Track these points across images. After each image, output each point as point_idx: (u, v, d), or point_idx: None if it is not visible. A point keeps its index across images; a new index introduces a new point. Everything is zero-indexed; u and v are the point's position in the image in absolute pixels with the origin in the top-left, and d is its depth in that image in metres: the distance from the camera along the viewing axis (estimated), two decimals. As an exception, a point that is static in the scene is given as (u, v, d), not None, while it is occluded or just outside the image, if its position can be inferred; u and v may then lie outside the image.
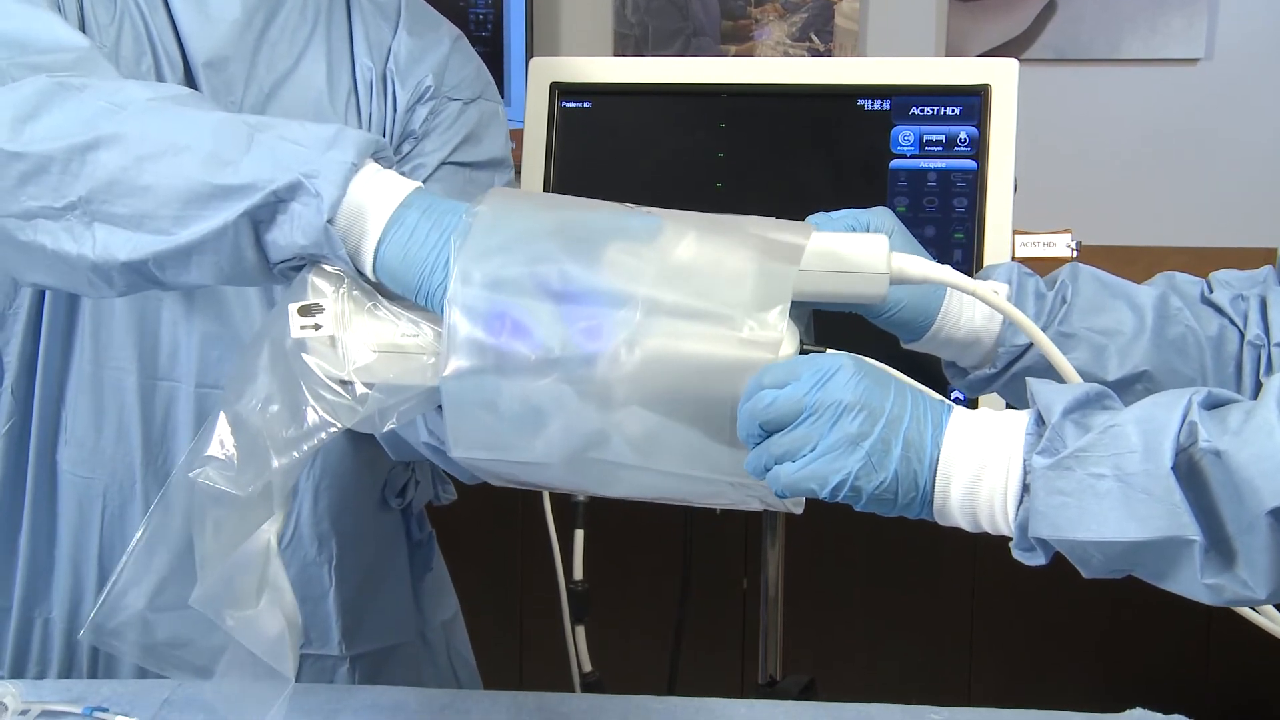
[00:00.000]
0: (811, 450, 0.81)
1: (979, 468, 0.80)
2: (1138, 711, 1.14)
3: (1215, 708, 2.55)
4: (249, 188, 0.88)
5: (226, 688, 0.94)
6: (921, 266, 0.94)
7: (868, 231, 1.01)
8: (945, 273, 0.94)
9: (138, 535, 0.94)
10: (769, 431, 0.82)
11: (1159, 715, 1.12)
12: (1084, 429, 0.77)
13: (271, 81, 1.22)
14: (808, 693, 1.56)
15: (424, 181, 1.24)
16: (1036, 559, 0.80)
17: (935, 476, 0.81)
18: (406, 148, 1.27)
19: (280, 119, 0.98)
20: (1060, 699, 1.24)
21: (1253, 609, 0.94)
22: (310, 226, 0.88)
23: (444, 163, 1.26)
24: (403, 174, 1.24)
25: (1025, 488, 0.79)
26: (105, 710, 1.11)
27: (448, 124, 1.28)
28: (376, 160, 0.92)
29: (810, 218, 1.01)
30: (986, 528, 0.82)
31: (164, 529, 0.92)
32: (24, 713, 1.09)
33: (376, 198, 0.89)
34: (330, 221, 0.87)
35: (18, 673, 1.27)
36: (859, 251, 0.93)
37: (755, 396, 0.83)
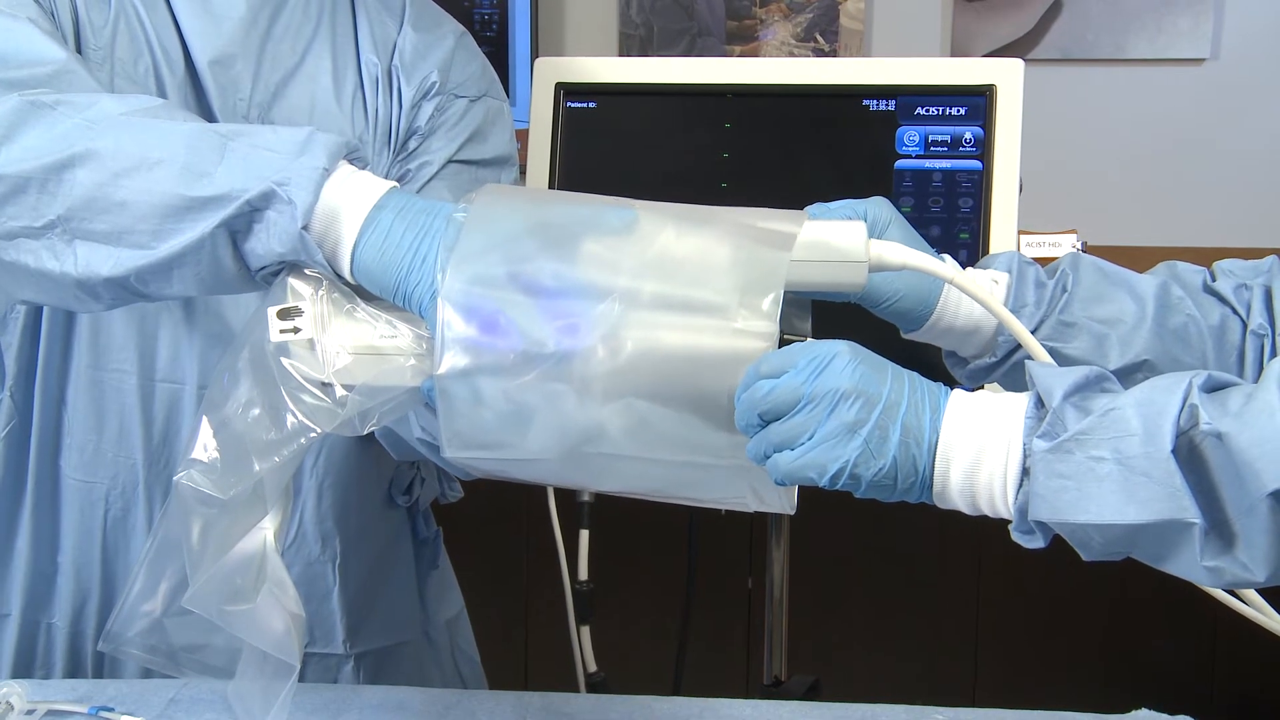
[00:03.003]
0: (809, 438, 0.81)
1: (978, 451, 0.80)
2: (1143, 713, 1.14)
3: (1221, 708, 2.54)
4: (223, 198, 0.88)
5: (237, 686, 0.94)
6: (900, 253, 0.94)
7: (865, 219, 1.01)
8: (923, 259, 0.94)
9: (148, 542, 0.94)
10: (767, 420, 0.82)
11: (1165, 716, 1.12)
12: (1084, 412, 0.77)
13: (277, 79, 1.22)
14: (812, 693, 1.56)
15: (430, 179, 1.25)
16: (1036, 542, 0.80)
17: (934, 461, 0.81)
18: (413, 144, 1.27)
19: (254, 126, 0.98)
20: (1065, 699, 1.24)
21: (1256, 610, 0.94)
22: (286, 234, 0.88)
23: (450, 161, 1.26)
24: (409, 171, 1.25)
25: (1025, 471, 0.79)
26: (111, 710, 1.11)
27: (453, 122, 1.28)
28: (350, 161, 0.92)
29: (808, 208, 1.01)
30: (986, 511, 0.82)
31: (173, 534, 0.92)
32: (30, 712, 1.09)
33: (350, 201, 0.89)
34: (305, 227, 0.88)
35: (21, 677, 1.26)
36: (838, 239, 0.93)
37: (753, 386, 0.82)
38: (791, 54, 3.16)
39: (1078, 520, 0.76)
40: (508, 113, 1.35)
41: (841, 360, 0.82)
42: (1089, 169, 3.05)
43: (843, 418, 0.80)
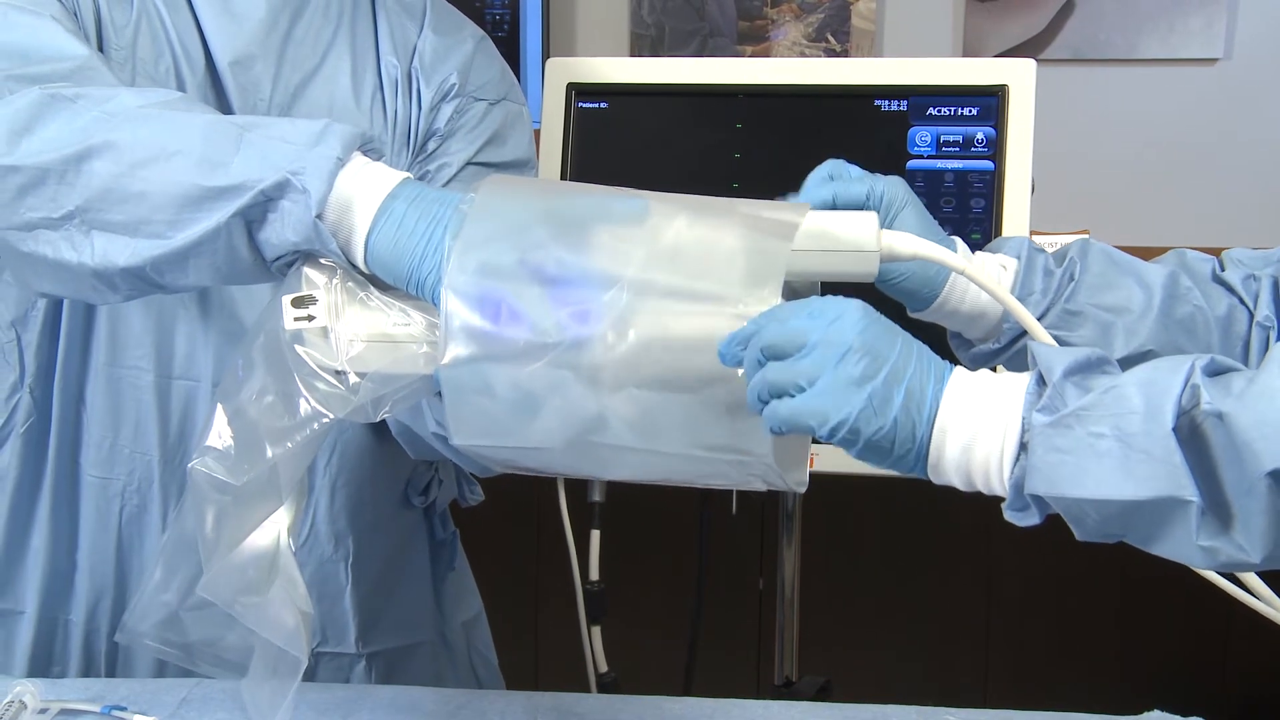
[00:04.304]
0: (811, 385, 0.80)
1: (977, 425, 0.80)
2: (1155, 713, 1.13)
3: (1234, 709, 2.54)
4: (239, 188, 0.90)
5: (250, 684, 0.94)
6: (911, 244, 0.94)
7: (881, 199, 1.01)
8: (934, 250, 0.94)
9: (165, 535, 0.95)
10: (770, 357, 0.82)
11: (1177, 718, 1.12)
12: (1085, 390, 0.77)
13: (297, 80, 1.22)
14: (824, 693, 1.56)
15: (448, 181, 1.25)
16: (1030, 518, 0.80)
17: (932, 431, 0.81)
18: (432, 146, 1.27)
19: (270, 118, 0.98)
20: (1077, 700, 1.23)
21: (1267, 605, 0.94)
22: (300, 223, 0.89)
23: (468, 163, 1.27)
24: (427, 173, 1.26)
25: (1023, 446, 0.79)
26: (124, 709, 1.11)
27: (472, 124, 1.28)
28: (365, 153, 0.93)
29: (827, 163, 1.02)
30: (980, 487, 0.82)
31: (189, 527, 0.93)
32: (43, 711, 1.10)
33: (364, 190, 0.90)
34: (320, 217, 0.89)
35: (36, 675, 1.27)
36: (849, 230, 0.94)
37: (764, 326, 0.82)
38: (803, 54, 3.16)
39: (1074, 495, 0.76)
40: (527, 116, 1.35)
41: (854, 315, 0.82)
42: (1101, 169, 3.04)
43: (849, 369, 0.80)
